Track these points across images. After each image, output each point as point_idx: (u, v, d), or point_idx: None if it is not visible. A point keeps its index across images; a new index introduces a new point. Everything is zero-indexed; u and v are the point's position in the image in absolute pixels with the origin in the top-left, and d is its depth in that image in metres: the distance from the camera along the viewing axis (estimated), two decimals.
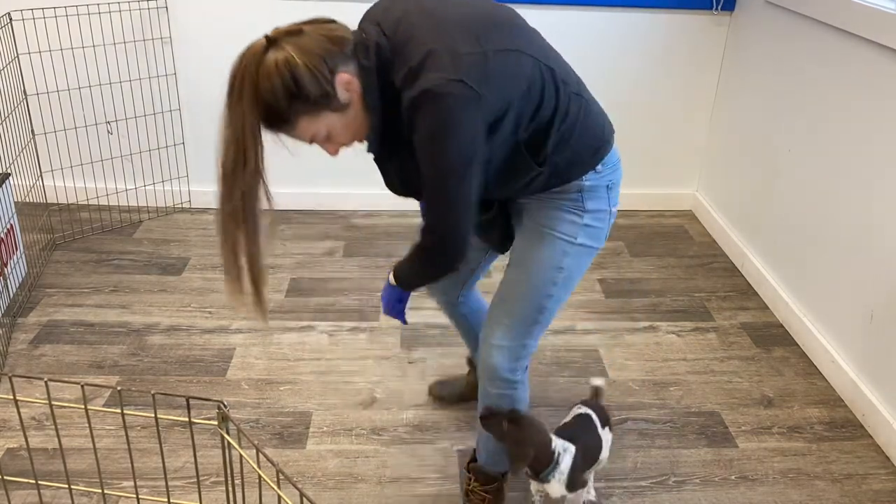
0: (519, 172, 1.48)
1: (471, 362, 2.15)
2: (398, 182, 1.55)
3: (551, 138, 1.46)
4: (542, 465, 1.56)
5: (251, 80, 1.27)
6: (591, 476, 1.76)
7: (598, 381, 1.86)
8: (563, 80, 1.48)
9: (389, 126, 1.41)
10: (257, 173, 1.35)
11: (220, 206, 1.35)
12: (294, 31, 1.34)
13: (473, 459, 1.84)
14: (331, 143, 1.44)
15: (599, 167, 1.55)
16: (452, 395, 2.18)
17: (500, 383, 1.61)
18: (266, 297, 1.43)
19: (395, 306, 1.72)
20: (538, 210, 1.57)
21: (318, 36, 1.33)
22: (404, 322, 1.77)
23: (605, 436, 1.75)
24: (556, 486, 1.59)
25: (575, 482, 1.60)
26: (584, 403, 1.80)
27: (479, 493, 1.81)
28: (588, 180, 1.54)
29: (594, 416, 1.74)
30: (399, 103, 1.35)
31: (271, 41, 1.30)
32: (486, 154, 1.39)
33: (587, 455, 1.66)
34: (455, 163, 1.34)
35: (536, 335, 1.61)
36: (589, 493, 1.84)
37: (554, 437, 1.59)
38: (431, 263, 1.51)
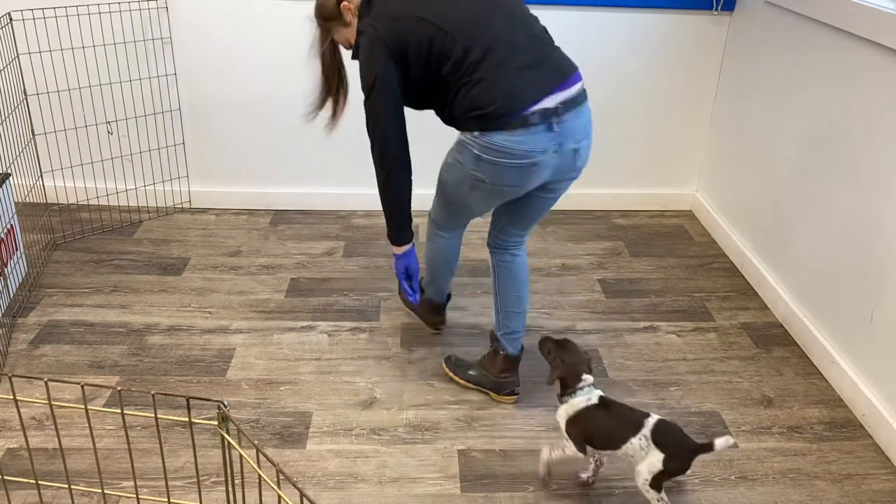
0: (438, 105, 1.94)
1: (494, 342, 2.21)
2: None
3: (449, 93, 1.85)
4: (568, 385, 1.82)
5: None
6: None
7: (725, 442, 1.73)
8: (467, 51, 1.80)
9: None
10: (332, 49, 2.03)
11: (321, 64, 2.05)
12: None
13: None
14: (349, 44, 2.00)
15: (477, 133, 1.82)
16: (463, 369, 2.28)
17: (428, 220, 2.18)
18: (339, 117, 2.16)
19: (402, 279, 2.13)
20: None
21: None
22: (415, 301, 2.15)
23: (644, 447, 1.73)
24: (561, 414, 1.81)
25: (575, 429, 1.79)
26: (661, 421, 1.76)
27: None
28: (465, 137, 1.87)
29: (650, 426, 1.73)
30: None
31: None
32: (399, 83, 1.87)
33: (598, 427, 1.78)
34: (367, 81, 1.86)
35: (435, 210, 2.12)
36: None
37: (588, 377, 1.82)
38: (386, 176, 1.99)
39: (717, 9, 3.05)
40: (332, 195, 3.32)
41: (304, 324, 2.53)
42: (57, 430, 1.37)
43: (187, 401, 1.16)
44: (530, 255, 3.01)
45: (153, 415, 1.39)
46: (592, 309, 2.68)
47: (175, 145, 3.19)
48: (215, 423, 1.13)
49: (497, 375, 2.17)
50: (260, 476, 1.13)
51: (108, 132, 3.13)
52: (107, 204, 3.26)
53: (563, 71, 1.87)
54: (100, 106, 3.08)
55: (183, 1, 2.93)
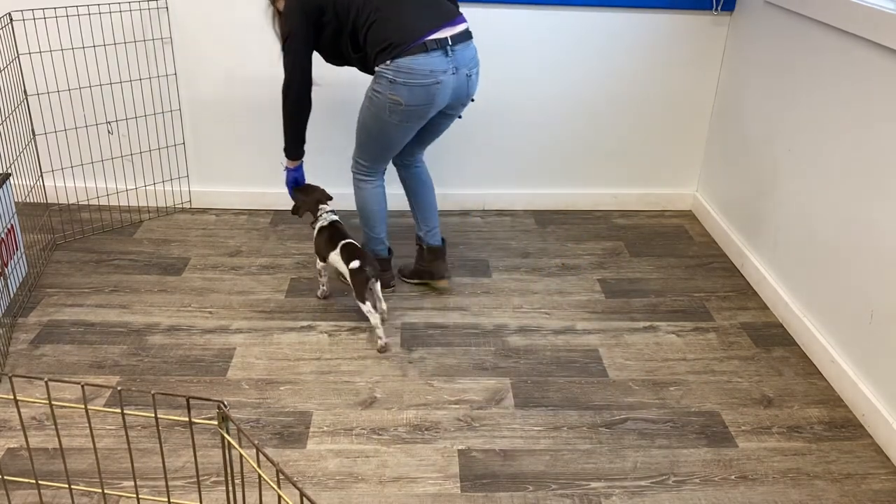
0: (350, 56, 2.38)
1: (419, 241, 2.73)
2: None
3: (359, 35, 2.30)
4: (313, 214, 2.58)
5: None
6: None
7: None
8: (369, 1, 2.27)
9: None
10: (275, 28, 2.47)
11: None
12: None
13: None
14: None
15: (388, 62, 2.25)
16: (406, 270, 2.81)
17: (352, 175, 2.57)
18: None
19: (292, 188, 2.60)
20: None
21: None
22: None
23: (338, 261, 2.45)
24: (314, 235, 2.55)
25: (317, 245, 2.54)
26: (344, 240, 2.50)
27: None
28: (379, 69, 2.28)
29: (341, 245, 2.45)
30: None
31: None
32: (309, 40, 2.33)
33: (324, 242, 2.51)
34: (283, 34, 2.33)
35: (358, 153, 2.50)
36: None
37: (325, 206, 2.59)
38: (287, 107, 2.40)
39: (717, 9, 3.05)
40: (331, 195, 3.31)
41: (304, 324, 2.53)
42: (57, 430, 1.37)
43: (187, 401, 1.16)
44: (530, 255, 3.01)
45: (153, 415, 1.39)
46: (592, 309, 2.68)
47: (175, 145, 3.19)
48: (215, 422, 1.14)
49: (429, 265, 2.71)
50: (260, 476, 1.13)
51: (109, 132, 3.13)
52: (107, 204, 3.26)
53: (450, 12, 2.31)
54: (100, 106, 3.08)
55: (183, 1, 2.93)
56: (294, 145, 2.51)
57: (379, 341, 2.39)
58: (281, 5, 2.39)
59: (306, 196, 2.57)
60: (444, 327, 2.53)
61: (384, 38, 2.24)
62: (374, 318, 2.38)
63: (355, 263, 2.36)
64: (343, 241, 2.44)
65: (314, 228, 2.55)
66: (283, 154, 2.58)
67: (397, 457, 1.99)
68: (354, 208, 2.66)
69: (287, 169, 2.58)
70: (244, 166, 3.26)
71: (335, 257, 2.44)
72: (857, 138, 2.25)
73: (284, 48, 2.34)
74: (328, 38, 2.36)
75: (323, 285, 2.63)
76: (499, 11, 3.02)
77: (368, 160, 2.49)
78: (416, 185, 2.67)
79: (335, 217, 2.55)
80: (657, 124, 3.28)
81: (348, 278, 2.40)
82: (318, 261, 2.56)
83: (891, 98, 2.10)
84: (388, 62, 2.25)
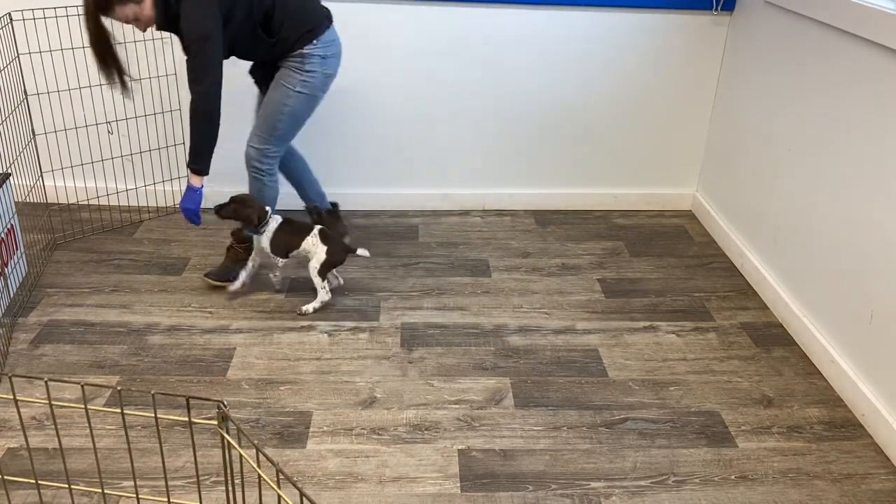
0: (261, 43, 2.39)
1: (315, 211, 2.85)
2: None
3: (275, 21, 2.35)
4: (262, 220, 2.54)
5: None
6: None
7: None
8: None
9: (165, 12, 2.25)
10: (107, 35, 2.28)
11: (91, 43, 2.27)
12: None
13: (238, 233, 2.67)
14: (138, 24, 2.26)
15: (315, 42, 2.41)
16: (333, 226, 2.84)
17: (252, 169, 2.56)
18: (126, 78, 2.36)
19: (192, 207, 2.44)
20: (280, 70, 2.47)
21: None
22: (198, 222, 2.47)
23: (316, 245, 2.56)
24: (264, 240, 2.56)
25: (277, 245, 2.56)
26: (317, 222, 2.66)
27: (235, 248, 2.70)
28: (306, 50, 2.40)
29: (317, 230, 2.57)
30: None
31: None
32: (222, 31, 2.24)
33: (288, 237, 2.57)
34: (200, 32, 2.20)
35: (276, 144, 2.53)
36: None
37: (269, 210, 2.57)
38: (206, 115, 2.29)
39: (717, 9, 3.05)
40: (332, 195, 3.31)
41: (304, 324, 2.53)
42: (57, 430, 1.37)
43: (187, 401, 1.16)
44: (530, 255, 3.01)
45: (153, 415, 1.40)
46: (592, 309, 2.68)
47: (175, 145, 3.19)
48: (215, 422, 1.14)
49: (337, 227, 2.85)
50: (260, 476, 1.13)
51: (109, 132, 3.13)
52: (107, 204, 3.26)
53: None
54: (100, 106, 3.08)
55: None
56: (210, 157, 2.39)
57: (314, 305, 2.58)
58: (140, 12, 2.22)
59: (246, 206, 2.52)
60: (444, 327, 2.53)
61: (304, 20, 2.38)
62: (328, 297, 2.58)
63: (363, 251, 2.59)
64: (318, 228, 2.57)
65: (260, 233, 2.56)
66: (188, 172, 2.45)
67: (397, 457, 1.99)
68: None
69: (197, 189, 2.43)
70: (244, 166, 3.25)
71: (310, 244, 2.54)
72: (858, 138, 2.25)
73: (195, 52, 2.22)
74: (242, 32, 2.33)
75: (277, 278, 2.69)
76: (499, 11, 3.02)
77: (281, 148, 2.56)
78: (296, 161, 2.80)
79: (278, 216, 2.60)
80: (657, 124, 3.28)
81: (321, 261, 2.53)
82: (278, 259, 2.59)
83: (891, 98, 2.10)
84: (314, 42, 2.39)
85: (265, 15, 2.33)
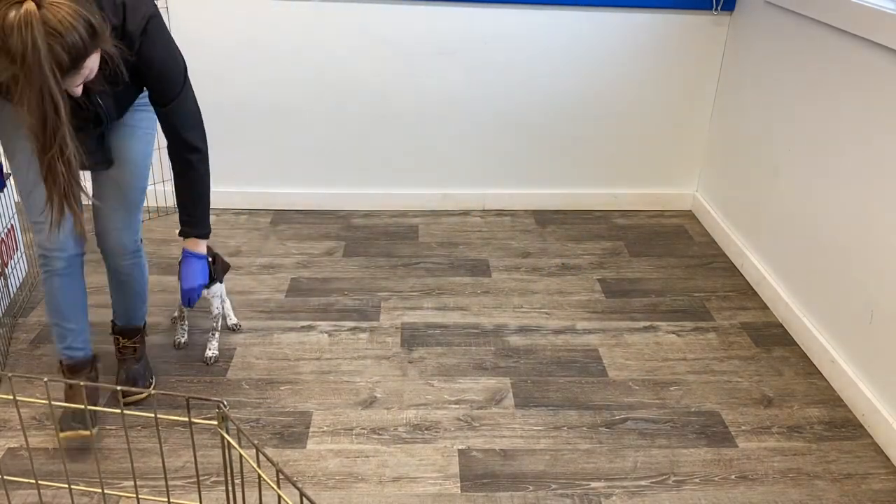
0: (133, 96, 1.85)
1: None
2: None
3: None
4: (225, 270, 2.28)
5: (46, 37, 1.39)
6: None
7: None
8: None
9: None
10: (65, 119, 1.49)
11: (41, 158, 1.51)
12: None
13: (114, 327, 2.19)
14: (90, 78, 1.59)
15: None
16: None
17: (130, 255, 2.01)
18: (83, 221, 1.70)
19: (204, 281, 2.07)
20: (129, 116, 1.91)
21: None
22: (192, 303, 2.11)
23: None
24: (221, 287, 2.30)
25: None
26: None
27: (129, 346, 2.19)
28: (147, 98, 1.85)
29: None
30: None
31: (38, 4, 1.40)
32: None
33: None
34: (181, 65, 1.79)
35: (141, 210, 2.00)
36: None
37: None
38: (207, 165, 1.92)
39: (717, 9, 3.05)
40: (332, 195, 3.32)
41: (304, 324, 2.53)
42: (57, 430, 1.37)
43: (187, 401, 1.16)
44: (530, 255, 3.02)
45: (153, 414, 1.40)
46: (592, 309, 2.68)
47: None
48: (215, 422, 1.13)
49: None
50: (260, 476, 1.13)
51: None
52: None
53: None
54: None
55: (183, 1, 2.93)
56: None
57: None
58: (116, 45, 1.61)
59: (217, 258, 2.24)
60: (444, 327, 2.53)
61: None
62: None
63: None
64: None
65: (222, 282, 2.31)
66: (185, 237, 2.03)
67: (397, 457, 1.99)
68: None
69: (200, 258, 2.05)
70: (244, 166, 3.25)
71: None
72: (858, 138, 2.25)
73: (185, 91, 1.81)
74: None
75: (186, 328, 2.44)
76: (499, 11, 3.02)
77: (141, 211, 2.04)
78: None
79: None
80: (657, 124, 3.28)
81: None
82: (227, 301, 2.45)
83: (891, 98, 2.10)
84: None
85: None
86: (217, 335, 2.35)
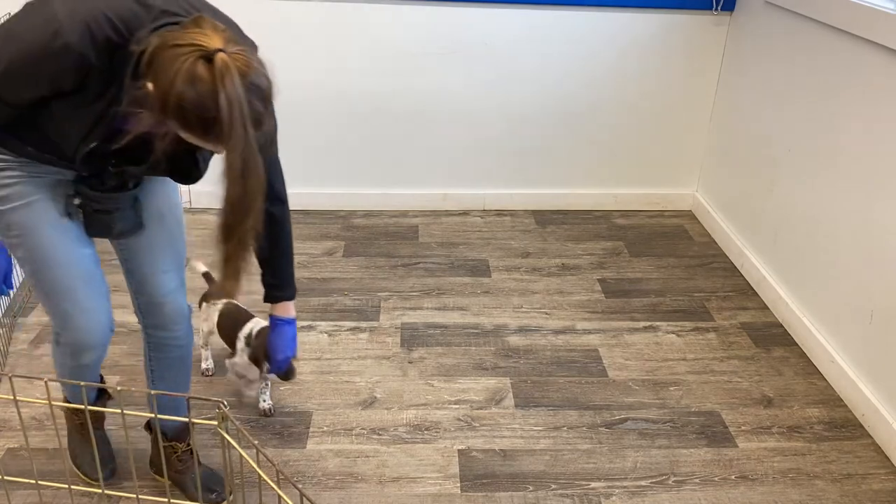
0: None
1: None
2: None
3: None
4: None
5: (246, 93, 1.16)
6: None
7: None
8: None
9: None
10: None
11: (232, 229, 1.25)
12: (218, 30, 1.24)
13: (164, 436, 1.79)
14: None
15: None
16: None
17: (187, 321, 1.72)
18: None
19: (294, 352, 1.77)
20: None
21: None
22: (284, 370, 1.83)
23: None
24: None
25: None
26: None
27: (188, 448, 1.81)
28: None
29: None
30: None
31: (217, 51, 1.17)
32: None
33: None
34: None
35: None
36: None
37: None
38: (290, 227, 1.66)
39: (717, 9, 3.05)
40: (332, 195, 3.32)
41: (304, 324, 2.53)
42: (57, 430, 1.37)
43: (187, 401, 1.16)
44: (530, 255, 3.02)
45: (153, 414, 1.40)
46: (592, 309, 2.68)
47: None
48: (215, 422, 1.13)
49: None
50: (260, 476, 1.13)
51: None
52: None
53: None
54: None
55: None
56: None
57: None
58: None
59: (228, 324, 2.09)
60: (444, 327, 2.53)
61: None
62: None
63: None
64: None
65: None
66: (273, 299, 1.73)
67: (397, 457, 1.99)
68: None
69: (292, 322, 1.75)
70: None
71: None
72: (857, 138, 2.25)
73: (276, 148, 1.57)
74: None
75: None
76: (498, 11, 3.02)
77: None
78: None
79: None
80: (657, 124, 3.28)
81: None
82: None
83: (891, 98, 2.10)
84: None
85: None
86: (269, 384, 2.13)
